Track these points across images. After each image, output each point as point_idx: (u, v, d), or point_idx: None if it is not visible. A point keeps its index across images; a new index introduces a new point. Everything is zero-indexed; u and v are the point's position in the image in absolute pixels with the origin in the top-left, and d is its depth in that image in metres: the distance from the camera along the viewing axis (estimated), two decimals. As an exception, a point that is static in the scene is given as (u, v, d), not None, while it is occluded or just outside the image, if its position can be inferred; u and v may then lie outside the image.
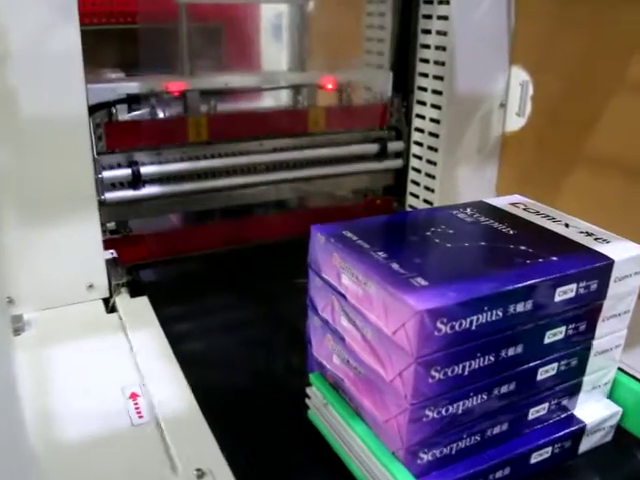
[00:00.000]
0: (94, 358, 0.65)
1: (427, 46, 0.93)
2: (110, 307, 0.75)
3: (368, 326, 0.46)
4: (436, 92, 0.93)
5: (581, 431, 0.54)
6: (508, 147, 0.96)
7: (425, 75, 0.95)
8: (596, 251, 0.50)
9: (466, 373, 0.45)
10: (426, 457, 0.46)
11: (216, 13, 1.04)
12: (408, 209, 1.03)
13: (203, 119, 0.85)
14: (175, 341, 0.67)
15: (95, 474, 0.50)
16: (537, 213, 0.59)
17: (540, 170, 0.91)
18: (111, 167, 0.80)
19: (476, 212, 0.57)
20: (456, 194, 0.97)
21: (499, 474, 0.50)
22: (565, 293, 0.48)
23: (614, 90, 0.79)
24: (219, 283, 0.82)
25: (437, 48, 0.92)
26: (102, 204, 0.76)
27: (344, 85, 0.97)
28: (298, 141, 0.93)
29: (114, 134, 0.80)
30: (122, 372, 0.63)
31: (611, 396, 0.56)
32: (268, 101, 1.01)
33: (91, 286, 0.75)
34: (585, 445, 0.55)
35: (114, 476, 0.50)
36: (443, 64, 0.91)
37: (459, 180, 0.96)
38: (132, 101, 0.83)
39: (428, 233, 0.52)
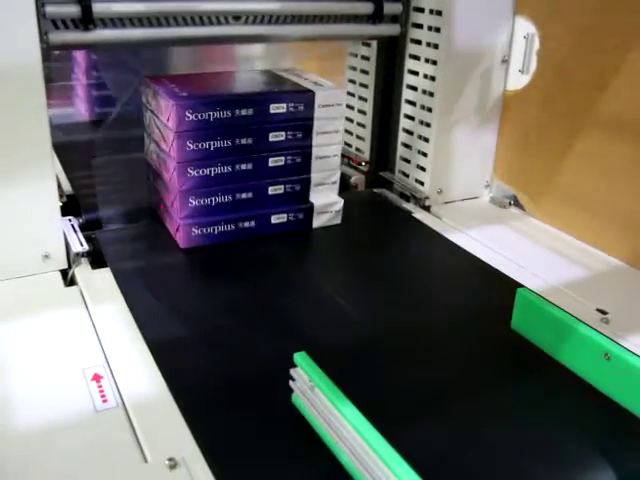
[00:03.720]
0: (51, 336, 0.63)
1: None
2: (69, 279, 0.73)
3: (162, 125, 0.79)
4: (431, 45, 0.92)
5: (310, 209, 0.86)
6: (510, 107, 0.95)
7: (419, 26, 0.93)
8: (306, 88, 0.83)
9: (212, 149, 0.78)
10: (194, 202, 0.79)
11: None
12: (398, 175, 1.02)
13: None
14: (141, 317, 0.66)
15: (54, 467, 0.49)
16: (299, 76, 0.88)
17: (544, 133, 0.90)
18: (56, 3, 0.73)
19: (260, 74, 0.91)
20: (451, 158, 0.96)
21: (247, 224, 0.83)
22: (278, 109, 0.80)
23: (632, 45, 0.78)
24: (188, 253, 0.81)
25: (434, -5, 0.90)
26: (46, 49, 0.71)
27: None
28: None
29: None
30: (83, 351, 0.61)
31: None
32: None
33: (47, 256, 0.73)
34: (317, 222, 0.87)
35: (76, 468, 0.48)
36: (440, 14, 0.89)
37: (455, 143, 0.95)
38: None
39: (215, 80, 0.86)
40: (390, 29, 0.94)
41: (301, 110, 0.81)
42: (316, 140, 0.83)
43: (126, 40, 0.78)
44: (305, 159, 0.84)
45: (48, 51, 0.71)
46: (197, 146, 0.77)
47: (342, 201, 0.87)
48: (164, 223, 0.85)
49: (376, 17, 0.91)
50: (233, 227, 0.82)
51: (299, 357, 0.52)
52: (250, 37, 0.86)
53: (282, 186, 0.84)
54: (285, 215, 0.84)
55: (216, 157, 0.78)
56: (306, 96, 0.81)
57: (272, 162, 0.82)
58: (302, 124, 0.82)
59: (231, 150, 0.79)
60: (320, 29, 0.89)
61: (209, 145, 0.78)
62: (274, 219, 0.84)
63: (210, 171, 0.79)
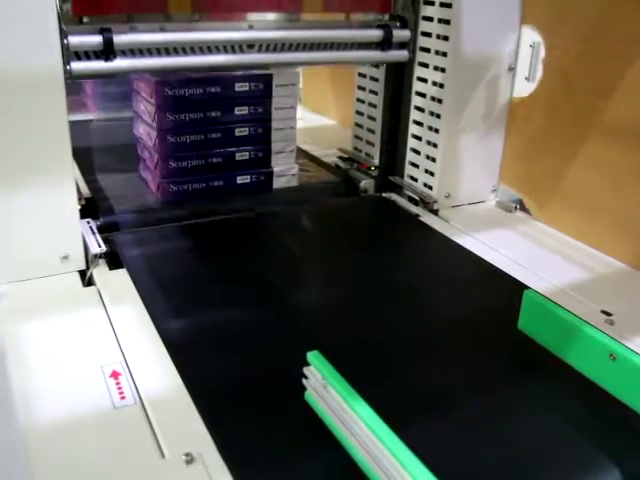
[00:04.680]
0: (70, 334, 0.64)
1: (431, 3, 0.92)
2: (87, 280, 0.74)
3: (147, 102, 0.92)
4: (440, 53, 0.92)
5: (270, 173, 0.99)
6: (516, 114, 0.95)
7: (428, 35, 0.93)
8: (265, 72, 0.94)
9: (187, 120, 0.91)
10: (173, 165, 0.92)
11: None
12: (407, 179, 1.02)
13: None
14: (158, 316, 0.66)
15: (74, 462, 0.49)
16: None
17: (549, 139, 0.90)
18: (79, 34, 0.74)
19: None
20: (459, 163, 0.96)
21: (216, 183, 0.95)
22: (242, 87, 0.93)
23: (636, 53, 0.78)
24: (202, 255, 0.81)
25: (442, 5, 0.90)
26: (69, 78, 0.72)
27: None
28: (293, 22, 0.88)
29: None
30: (102, 349, 0.61)
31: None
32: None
33: (66, 257, 0.74)
34: (277, 184, 1.00)
35: (96, 463, 0.49)
36: (448, 22, 0.89)
37: (463, 148, 0.95)
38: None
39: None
40: (399, 55, 0.96)
41: (261, 88, 0.94)
42: (275, 114, 0.96)
43: (145, 68, 0.80)
44: (266, 130, 0.97)
45: (70, 80, 0.72)
46: (175, 117, 0.90)
47: (297, 167, 1.01)
48: (147, 183, 0.97)
49: (385, 44, 0.93)
50: (204, 185, 0.94)
51: (312, 356, 0.52)
52: (264, 64, 0.89)
53: (247, 153, 0.96)
54: (249, 176, 0.97)
55: (190, 127, 0.91)
56: (265, 77, 0.94)
57: (238, 132, 0.95)
58: (262, 100, 0.95)
59: (203, 121, 0.92)
60: (331, 56, 0.91)
61: (184, 116, 0.91)
62: (239, 179, 0.97)
63: (186, 138, 0.92)
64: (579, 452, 0.52)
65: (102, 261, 0.76)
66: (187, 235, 0.86)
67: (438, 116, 0.94)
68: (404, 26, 0.95)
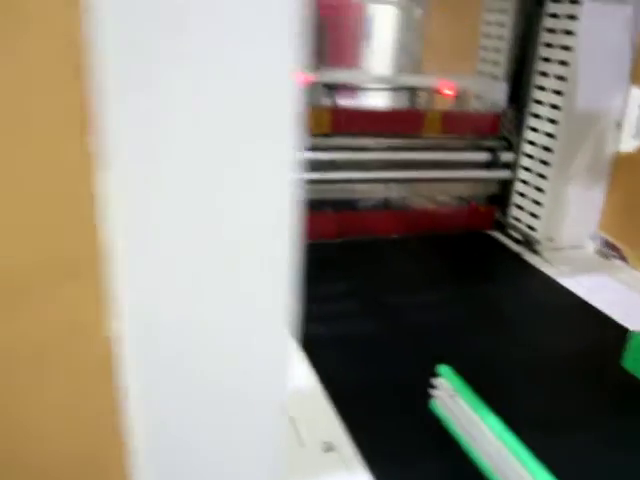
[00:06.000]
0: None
1: (548, 59, 0.97)
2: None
3: None
4: (554, 107, 0.97)
5: None
6: (620, 168, 0.99)
7: (542, 88, 0.99)
8: None
9: None
10: None
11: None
12: (511, 220, 1.07)
13: (326, 112, 0.91)
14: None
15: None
16: None
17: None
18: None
19: None
20: (563, 209, 1.00)
21: None
22: None
23: None
24: (332, 273, 0.89)
25: (560, 63, 0.95)
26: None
27: (461, 92, 1.02)
28: (412, 142, 0.98)
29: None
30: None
31: None
32: (380, 100, 1.07)
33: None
34: None
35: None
36: (564, 79, 0.95)
37: (567, 195, 1.00)
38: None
39: None
40: (502, 174, 1.06)
41: None
42: None
43: None
44: None
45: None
46: None
47: None
48: None
49: (491, 165, 1.03)
50: None
51: (442, 369, 0.58)
52: (383, 180, 0.99)
53: None
54: None
55: None
56: None
57: None
58: None
59: None
60: (442, 174, 1.02)
61: None
62: None
63: None
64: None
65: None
66: (319, 254, 0.93)
67: (547, 164, 0.99)
68: (509, 148, 1.04)
